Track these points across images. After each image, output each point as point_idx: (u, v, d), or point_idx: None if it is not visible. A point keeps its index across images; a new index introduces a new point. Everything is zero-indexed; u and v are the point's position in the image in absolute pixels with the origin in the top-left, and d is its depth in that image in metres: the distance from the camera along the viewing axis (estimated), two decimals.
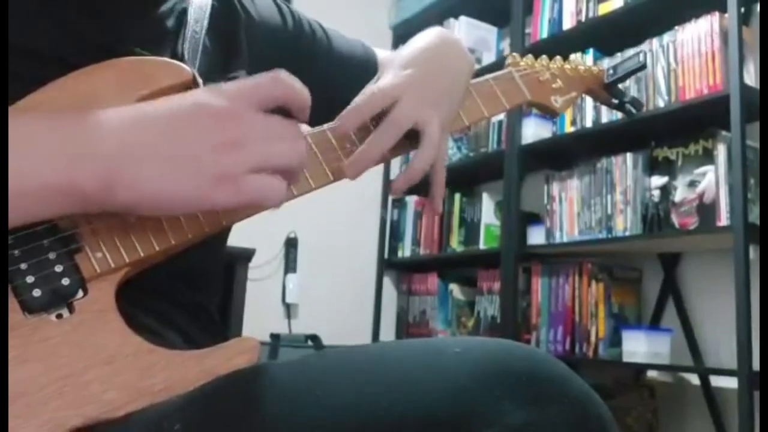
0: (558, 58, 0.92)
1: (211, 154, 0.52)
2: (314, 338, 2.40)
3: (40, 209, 0.50)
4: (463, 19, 2.82)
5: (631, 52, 2.06)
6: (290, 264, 2.71)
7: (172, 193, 0.52)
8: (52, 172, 0.49)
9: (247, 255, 2.06)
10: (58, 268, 0.52)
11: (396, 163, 2.89)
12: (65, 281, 0.52)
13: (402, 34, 3.01)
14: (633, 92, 2.04)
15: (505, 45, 2.78)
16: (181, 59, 0.67)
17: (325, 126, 0.67)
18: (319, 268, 2.76)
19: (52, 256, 0.52)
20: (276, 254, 2.71)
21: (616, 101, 0.98)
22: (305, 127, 0.68)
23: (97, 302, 0.53)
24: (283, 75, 0.57)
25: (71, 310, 0.52)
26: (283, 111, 0.57)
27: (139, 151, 0.51)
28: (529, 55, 0.89)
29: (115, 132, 0.51)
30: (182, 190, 0.52)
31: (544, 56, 0.91)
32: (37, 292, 0.51)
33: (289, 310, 2.71)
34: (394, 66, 0.73)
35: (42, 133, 0.50)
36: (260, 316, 2.41)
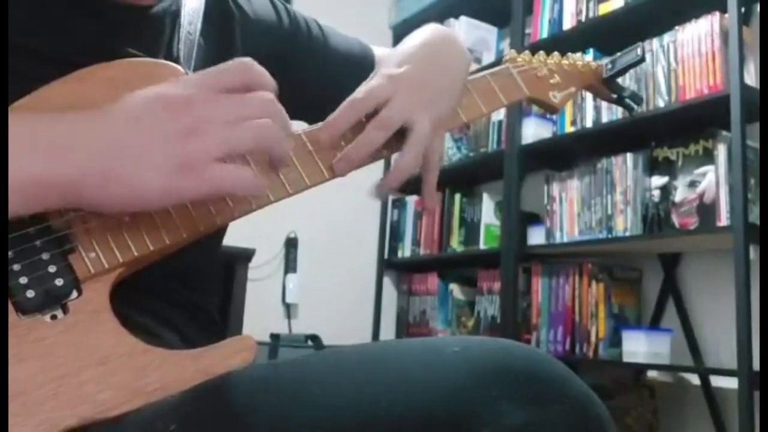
0: (556, 53, 0.91)
1: (170, 144, 0.51)
2: (314, 338, 2.40)
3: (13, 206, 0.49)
4: (463, 19, 2.82)
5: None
6: (290, 264, 2.71)
7: (137, 188, 0.51)
8: (21, 170, 0.48)
9: (247, 255, 2.06)
10: (52, 269, 0.52)
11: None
12: (59, 282, 0.52)
13: (402, 33, 2.98)
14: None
15: (505, 45, 2.78)
16: (176, 60, 0.67)
17: (321, 124, 0.67)
18: (319, 268, 2.75)
19: (45, 256, 0.52)
20: (276, 254, 2.71)
21: (615, 96, 0.97)
22: (302, 126, 0.68)
23: (91, 303, 0.53)
24: (248, 60, 0.56)
25: (65, 310, 0.52)
26: None
27: (105, 148, 0.51)
28: (527, 51, 0.89)
29: (83, 130, 0.51)
30: (147, 184, 0.51)
31: (541, 52, 0.90)
32: (30, 293, 0.51)
33: (289, 310, 2.71)
34: (390, 63, 0.73)
35: (18, 133, 0.50)
36: (260, 316, 2.41)
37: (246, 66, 0.56)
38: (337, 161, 0.65)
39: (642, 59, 0.92)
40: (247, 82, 0.56)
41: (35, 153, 0.49)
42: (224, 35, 0.76)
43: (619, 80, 0.98)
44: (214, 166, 0.52)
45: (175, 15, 0.71)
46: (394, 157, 0.69)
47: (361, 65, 0.85)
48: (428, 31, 0.81)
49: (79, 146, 0.50)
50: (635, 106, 0.96)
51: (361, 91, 0.67)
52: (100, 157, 0.50)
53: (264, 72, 0.57)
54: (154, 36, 0.69)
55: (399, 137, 0.68)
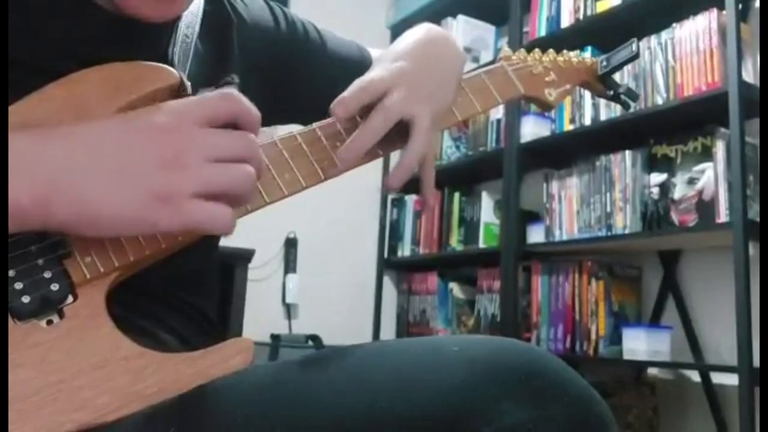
0: (551, 51, 0.91)
1: (151, 173, 0.51)
2: (315, 338, 2.40)
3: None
4: (460, 17, 2.81)
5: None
6: (290, 264, 2.71)
7: (110, 213, 0.50)
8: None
9: (246, 255, 2.05)
10: (47, 274, 0.52)
11: (395, 163, 2.89)
12: (54, 287, 0.52)
13: (400, 33, 2.96)
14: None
15: (503, 43, 2.77)
16: (171, 63, 0.67)
17: (315, 124, 0.66)
18: (319, 268, 2.75)
19: (40, 262, 0.52)
20: (276, 254, 2.71)
21: (611, 92, 0.97)
22: (297, 127, 0.68)
23: (87, 307, 0.53)
24: (232, 91, 0.56)
25: (61, 315, 0.52)
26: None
27: (80, 169, 0.50)
28: (522, 49, 0.89)
29: (55, 149, 0.50)
30: (120, 210, 0.50)
31: (536, 50, 0.90)
32: (26, 299, 0.51)
33: (289, 310, 2.71)
34: (386, 60, 0.73)
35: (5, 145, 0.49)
36: (260, 317, 2.41)
37: (233, 98, 0.55)
38: (341, 151, 0.65)
39: (636, 55, 0.92)
40: (233, 113, 0.55)
41: (12, 178, 0.48)
42: (221, 40, 0.76)
43: (617, 77, 0.98)
44: (192, 201, 0.51)
45: (175, 19, 0.71)
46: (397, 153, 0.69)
47: (358, 68, 0.85)
48: (422, 29, 0.81)
49: (51, 168, 0.49)
50: (631, 103, 0.96)
51: (357, 84, 0.67)
52: (73, 180, 0.49)
53: (250, 106, 0.56)
54: (150, 39, 0.68)
55: (397, 136, 0.68)
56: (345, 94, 0.66)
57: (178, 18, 0.71)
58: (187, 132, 0.52)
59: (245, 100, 0.56)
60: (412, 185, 0.70)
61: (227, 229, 0.53)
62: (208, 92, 0.56)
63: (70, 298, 0.53)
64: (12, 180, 0.48)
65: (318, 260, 2.76)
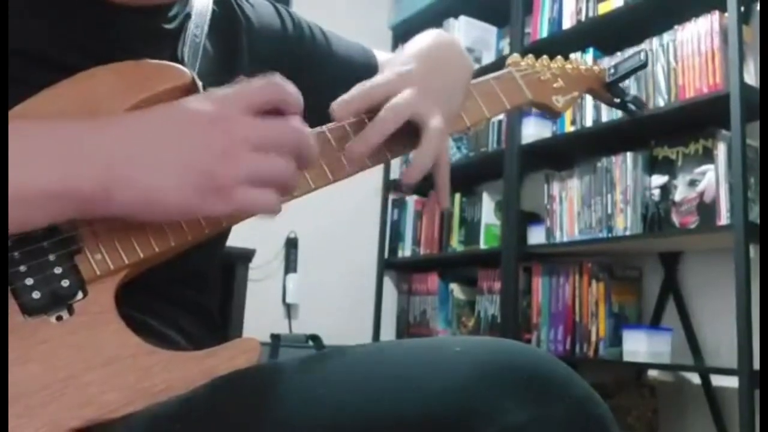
0: (559, 57, 0.92)
1: (203, 162, 0.52)
2: (315, 338, 2.40)
3: (40, 215, 0.50)
4: (462, 18, 2.82)
5: (631, 51, 2.06)
6: (290, 264, 2.72)
7: (170, 200, 0.52)
8: (50, 178, 0.49)
9: (247, 255, 2.06)
10: (58, 270, 0.52)
11: (396, 165, 2.89)
12: (65, 283, 0.52)
13: (401, 33, 3.01)
14: (633, 91, 2.04)
15: (505, 45, 2.78)
16: (182, 62, 0.67)
17: (324, 126, 0.67)
18: (319, 268, 2.76)
19: (51, 257, 0.52)
20: (276, 254, 2.71)
21: (617, 100, 0.98)
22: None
23: (97, 304, 0.53)
24: (276, 78, 0.57)
25: (71, 311, 0.52)
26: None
27: (134, 156, 0.51)
28: (530, 55, 0.89)
29: (110, 137, 0.52)
30: (173, 197, 0.52)
31: (545, 56, 0.90)
32: (36, 294, 0.51)
33: (289, 310, 2.71)
34: (394, 64, 0.73)
35: (39, 139, 0.50)
36: (261, 317, 2.40)
37: (279, 85, 0.57)
38: (349, 146, 0.65)
39: (645, 64, 0.93)
40: (278, 101, 0.56)
41: (62, 161, 0.50)
42: (230, 41, 0.76)
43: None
44: (242, 190, 0.53)
45: (186, 18, 0.71)
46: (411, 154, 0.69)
47: (364, 70, 0.85)
48: (430, 35, 0.81)
49: (109, 155, 0.51)
50: (637, 111, 0.97)
51: (369, 82, 0.67)
52: (132, 167, 0.51)
53: (295, 92, 0.57)
54: (161, 39, 0.69)
55: (406, 137, 0.68)
56: (346, 95, 0.66)
57: (188, 18, 0.71)
58: (234, 122, 0.54)
59: (290, 87, 0.57)
60: (415, 186, 0.69)
61: (273, 213, 0.56)
62: (254, 79, 0.57)
63: (80, 295, 0.53)
64: (71, 167, 0.49)
65: (318, 260, 2.76)
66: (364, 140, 0.65)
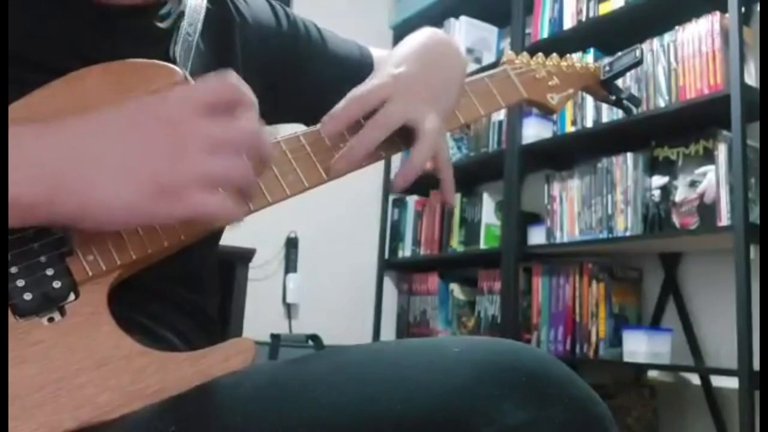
0: (554, 55, 0.92)
1: (152, 164, 0.51)
2: (315, 338, 2.39)
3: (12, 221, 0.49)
4: (463, 18, 2.81)
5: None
6: (290, 264, 2.71)
7: (107, 205, 0.50)
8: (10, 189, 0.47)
9: (247, 255, 2.06)
10: (49, 272, 0.52)
11: (397, 165, 2.89)
12: (56, 284, 0.52)
13: (402, 33, 2.95)
14: (633, 92, 2.04)
15: (506, 45, 2.77)
16: (174, 61, 0.67)
17: (319, 125, 0.67)
18: (319, 268, 2.75)
19: (43, 259, 0.52)
20: (276, 254, 2.71)
21: (613, 98, 0.98)
22: (300, 127, 0.68)
23: (89, 305, 0.53)
24: (230, 76, 0.55)
25: (63, 313, 0.52)
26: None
27: (75, 161, 0.50)
28: (525, 53, 0.89)
29: (52, 142, 0.50)
30: (117, 202, 0.50)
31: (540, 54, 0.90)
32: (27, 296, 0.51)
33: (289, 310, 2.71)
34: (388, 64, 0.73)
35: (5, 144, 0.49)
36: (261, 317, 2.41)
37: (232, 84, 0.55)
38: (335, 160, 0.65)
39: (640, 61, 0.92)
40: (231, 100, 0.55)
41: (12, 166, 0.48)
42: (223, 39, 0.76)
43: (619, 80, 0.98)
44: (193, 193, 0.51)
45: (179, 16, 0.71)
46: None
47: (359, 68, 0.85)
48: (425, 33, 0.81)
49: (51, 161, 0.49)
50: (633, 108, 0.96)
51: (357, 92, 0.67)
52: (77, 172, 0.49)
53: (248, 90, 0.56)
54: (153, 38, 0.69)
55: (402, 138, 0.68)
56: (337, 107, 0.66)
57: (181, 16, 0.71)
58: (184, 122, 0.52)
59: (243, 85, 0.55)
60: (414, 186, 0.70)
61: (229, 219, 0.54)
62: (207, 78, 0.55)
63: (71, 296, 0.53)
64: (15, 173, 0.47)
65: (318, 260, 2.76)
66: (348, 158, 0.65)
